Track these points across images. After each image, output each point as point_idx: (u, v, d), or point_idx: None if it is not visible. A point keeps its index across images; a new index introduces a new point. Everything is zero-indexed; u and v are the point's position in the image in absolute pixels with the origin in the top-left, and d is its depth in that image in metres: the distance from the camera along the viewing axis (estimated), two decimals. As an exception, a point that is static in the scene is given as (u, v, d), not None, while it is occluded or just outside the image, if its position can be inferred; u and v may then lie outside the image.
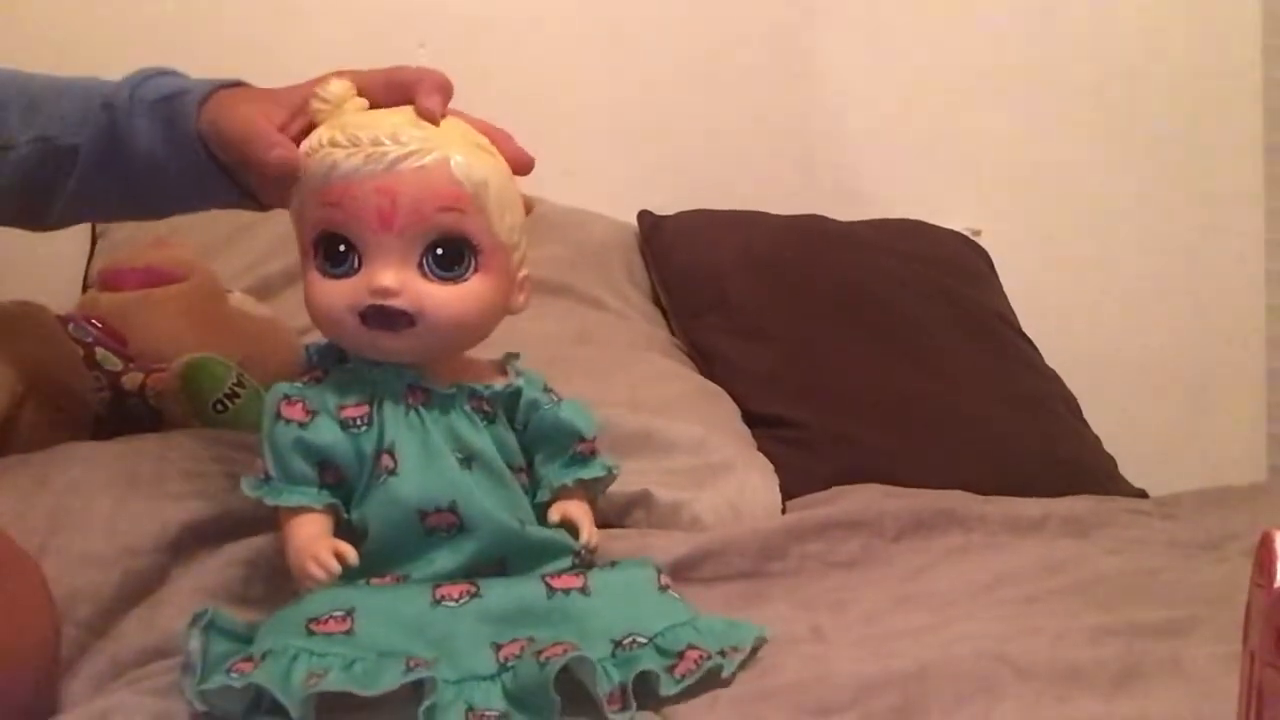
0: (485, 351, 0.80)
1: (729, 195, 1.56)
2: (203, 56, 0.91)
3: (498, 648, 0.67)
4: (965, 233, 1.67)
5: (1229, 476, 1.60)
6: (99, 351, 0.99)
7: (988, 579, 0.91)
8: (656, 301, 1.47)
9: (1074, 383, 1.50)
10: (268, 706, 0.64)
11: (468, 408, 0.76)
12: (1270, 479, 1.87)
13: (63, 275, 1.34)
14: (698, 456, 1.09)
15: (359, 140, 0.71)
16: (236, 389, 0.98)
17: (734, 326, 1.38)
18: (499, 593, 0.70)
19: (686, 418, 1.14)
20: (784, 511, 1.09)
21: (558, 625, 0.69)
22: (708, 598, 0.84)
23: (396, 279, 0.71)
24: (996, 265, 1.64)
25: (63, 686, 0.71)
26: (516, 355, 0.82)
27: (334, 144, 0.72)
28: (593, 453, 0.81)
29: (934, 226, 1.63)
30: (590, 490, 0.81)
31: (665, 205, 1.55)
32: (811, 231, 1.52)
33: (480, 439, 0.76)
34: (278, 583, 0.78)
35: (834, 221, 1.56)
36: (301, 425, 0.73)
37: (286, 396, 0.74)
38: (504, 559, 0.74)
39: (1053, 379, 1.49)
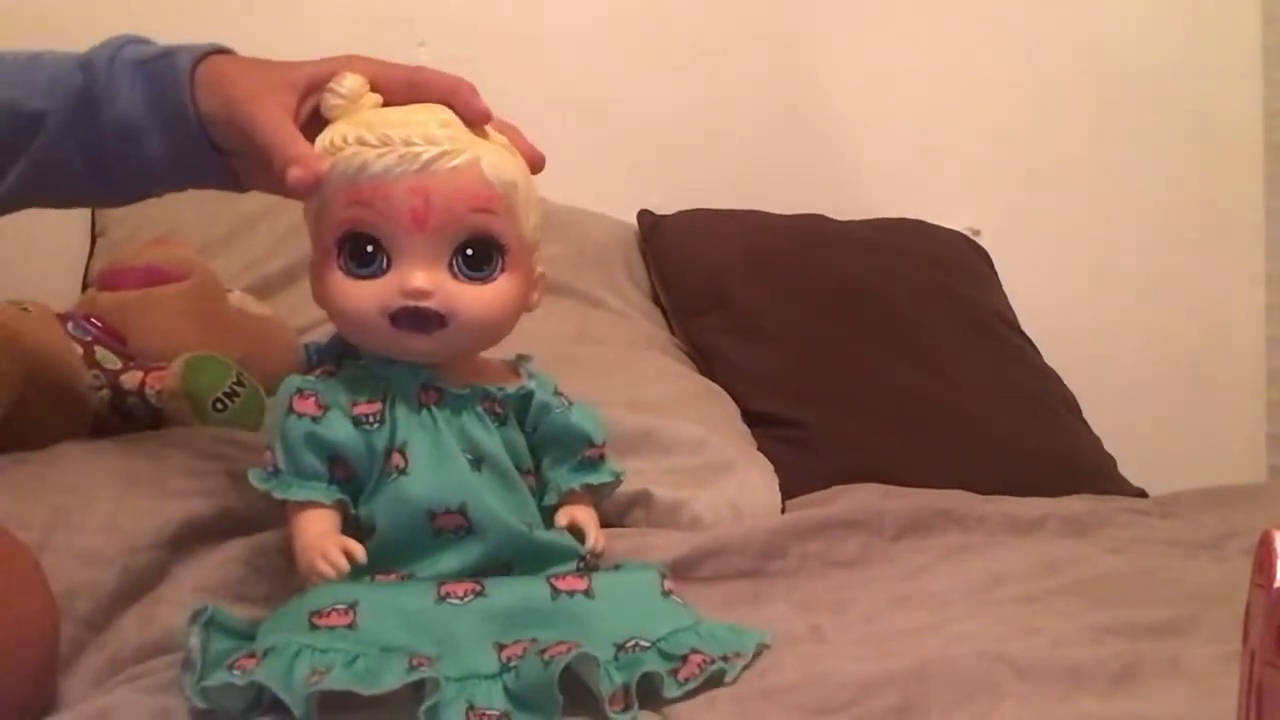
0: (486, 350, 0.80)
1: (729, 195, 1.56)
2: (202, 55, 0.90)
3: (500, 648, 0.67)
4: (965, 233, 1.67)
5: (1229, 476, 1.61)
6: (98, 350, 0.99)
7: (987, 579, 0.91)
8: (656, 301, 1.47)
9: (1074, 383, 1.50)
10: (269, 704, 0.64)
11: (480, 409, 0.76)
12: (1270, 479, 1.87)
13: (62, 274, 1.34)
14: (698, 456, 1.09)
15: (391, 140, 0.71)
16: (236, 388, 0.98)
17: (734, 326, 1.38)
18: (504, 592, 0.70)
19: (686, 417, 1.14)
20: (784, 511, 1.09)
21: (561, 627, 0.69)
22: (707, 597, 0.84)
23: (429, 280, 0.71)
24: (996, 265, 1.64)
25: (61, 683, 0.70)
26: (529, 357, 0.82)
27: (363, 143, 0.71)
28: (601, 458, 0.81)
29: (934, 226, 1.63)
30: (596, 495, 0.82)
31: (665, 205, 1.55)
32: (811, 231, 1.52)
33: (491, 441, 0.76)
34: (277, 580, 0.78)
35: (834, 221, 1.56)
36: (314, 419, 0.72)
37: (300, 390, 0.73)
38: (510, 562, 0.74)
39: (1052, 378, 1.49)
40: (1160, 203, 1.87)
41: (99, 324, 1.02)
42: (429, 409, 0.74)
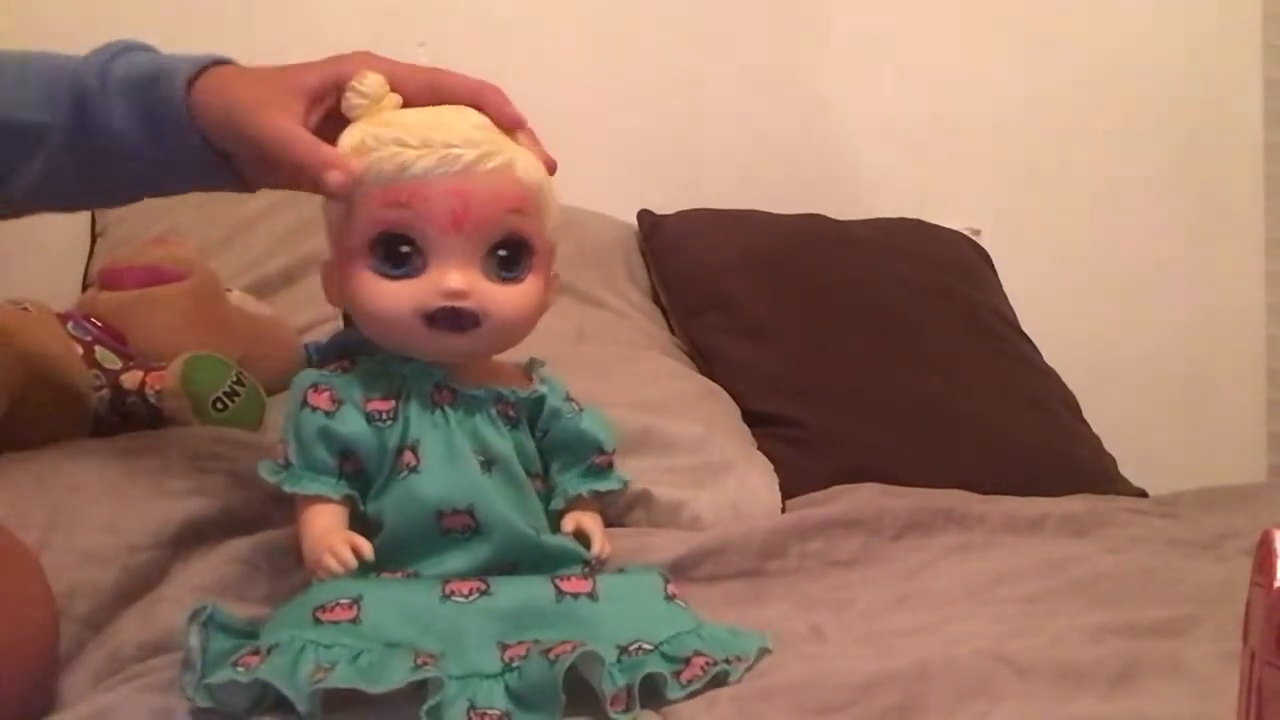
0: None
1: (729, 195, 1.56)
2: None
3: (503, 648, 0.67)
4: (965, 232, 1.67)
5: (1229, 476, 1.61)
6: (98, 350, 0.99)
7: (987, 578, 0.91)
8: (656, 301, 1.47)
9: (1074, 383, 1.50)
10: (272, 701, 0.64)
11: (493, 411, 0.76)
12: (1270, 479, 1.87)
13: (63, 274, 1.34)
14: (698, 456, 1.09)
15: (431, 141, 0.71)
16: (236, 387, 0.98)
17: (734, 326, 1.38)
18: (509, 592, 0.70)
19: (686, 417, 1.14)
20: (784, 511, 1.09)
21: (565, 628, 0.69)
22: (708, 596, 0.84)
23: (465, 280, 0.72)
24: (996, 265, 1.64)
25: (61, 682, 0.71)
26: (542, 362, 0.82)
27: (403, 144, 0.71)
28: (610, 465, 0.81)
29: (934, 226, 1.63)
30: (602, 501, 0.82)
31: (665, 205, 1.55)
32: (811, 231, 1.52)
33: (503, 443, 0.76)
34: (277, 579, 0.78)
35: (834, 221, 1.55)
36: (327, 414, 0.73)
37: (314, 384, 0.74)
38: (516, 564, 0.74)
39: (1052, 378, 1.49)
40: (1160, 203, 1.87)
41: (99, 324, 1.02)
42: (442, 409, 0.74)
